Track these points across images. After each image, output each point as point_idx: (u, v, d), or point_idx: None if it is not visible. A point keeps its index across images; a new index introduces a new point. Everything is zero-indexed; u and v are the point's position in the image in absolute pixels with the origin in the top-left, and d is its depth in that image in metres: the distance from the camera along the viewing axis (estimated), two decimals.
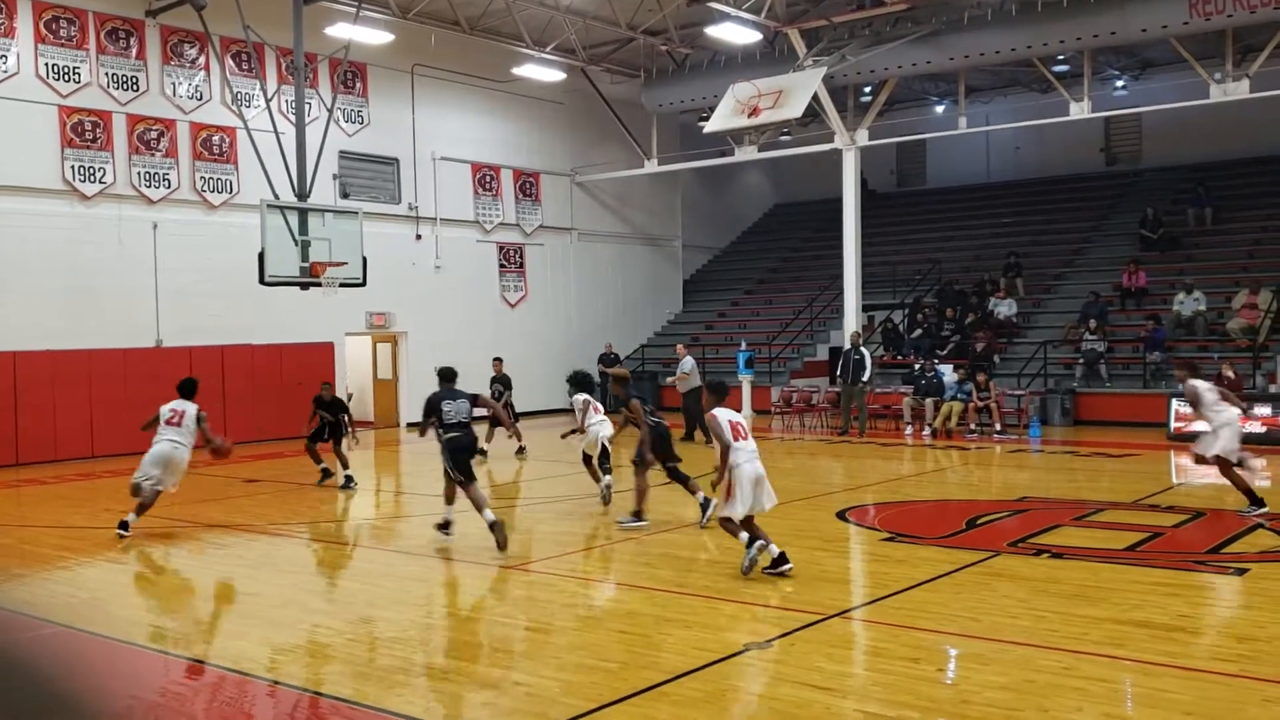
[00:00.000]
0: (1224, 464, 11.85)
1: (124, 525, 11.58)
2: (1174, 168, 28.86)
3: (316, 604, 8.67)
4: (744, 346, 25.94)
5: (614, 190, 29.94)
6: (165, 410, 12.06)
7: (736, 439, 9.36)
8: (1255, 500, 11.73)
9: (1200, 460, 12.03)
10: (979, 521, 11.71)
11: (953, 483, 15.76)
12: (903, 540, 10.74)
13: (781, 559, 9.10)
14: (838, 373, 21.79)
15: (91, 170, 19.50)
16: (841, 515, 12.18)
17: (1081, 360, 22.58)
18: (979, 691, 6.02)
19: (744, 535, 9.21)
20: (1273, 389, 19.56)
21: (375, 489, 15.56)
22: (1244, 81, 20.69)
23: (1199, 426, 12.55)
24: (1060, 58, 24.80)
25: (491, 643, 7.57)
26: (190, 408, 12.04)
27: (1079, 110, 22.58)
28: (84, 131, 19.42)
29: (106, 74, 19.76)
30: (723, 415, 9.47)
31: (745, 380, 25.26)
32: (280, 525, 12.51)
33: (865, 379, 21.31)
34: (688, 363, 21.08)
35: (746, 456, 9.35)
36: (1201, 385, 12.22)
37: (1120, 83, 28.05)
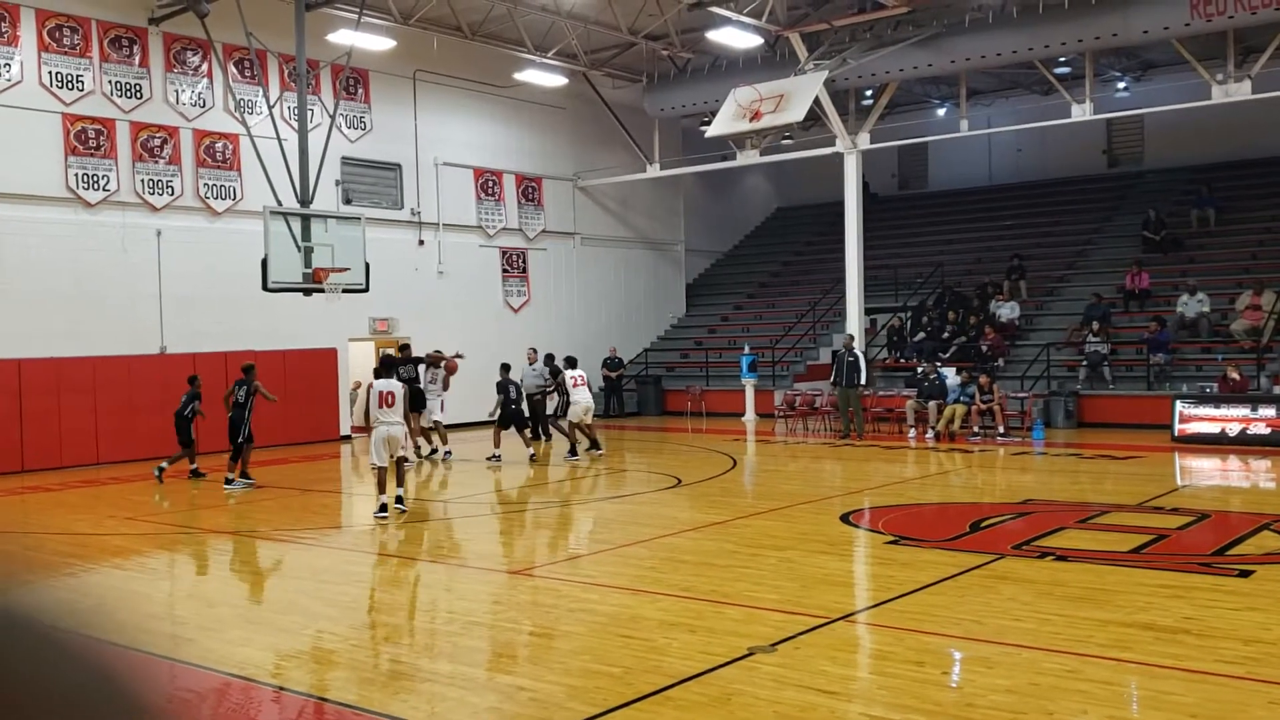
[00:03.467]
0: None
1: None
2: (1177, 169, 28.83)
3: (321, 609, 8.68)
4: (747, 350, 25.95)
5: (616, 195, 29.96)
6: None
7: (381, 406, 12.46)
8: None
9: None
10: (983, 524, 11.70)
11: (956, 485, 15.76)
12: (907, 543, 10.74)
13: (383, 508, 12.53)
14: (832, 377, 21.84)
15: (95, 178, 19.54)
16: (845, 518, 12.18)
17: (1085, 362, 22.56)
18: (984, 695, 6.01)
19: (383, 498, 12.52)
20: (1277, 390, 19.53)
21: (378, 494, 15.55)
22: (1246, 82, 20.69)
23: None
24: (1062, 60, 24.80)
25: (496, 648, 7.57)
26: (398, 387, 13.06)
27: (1081, 112, 22.58)
28: (87, 139, 19.46)
29: (110, 82, 19.80)
30: (378, 385, 12.64)
31: (749, 384, 25.27)
32: (284, 531, 12.52)
33: (862, 381, 21.34)
34: (539, 368, 20.63)
35: (384, 420, 12.45)
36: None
37: (1122, 84, 28.04)
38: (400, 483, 13.10)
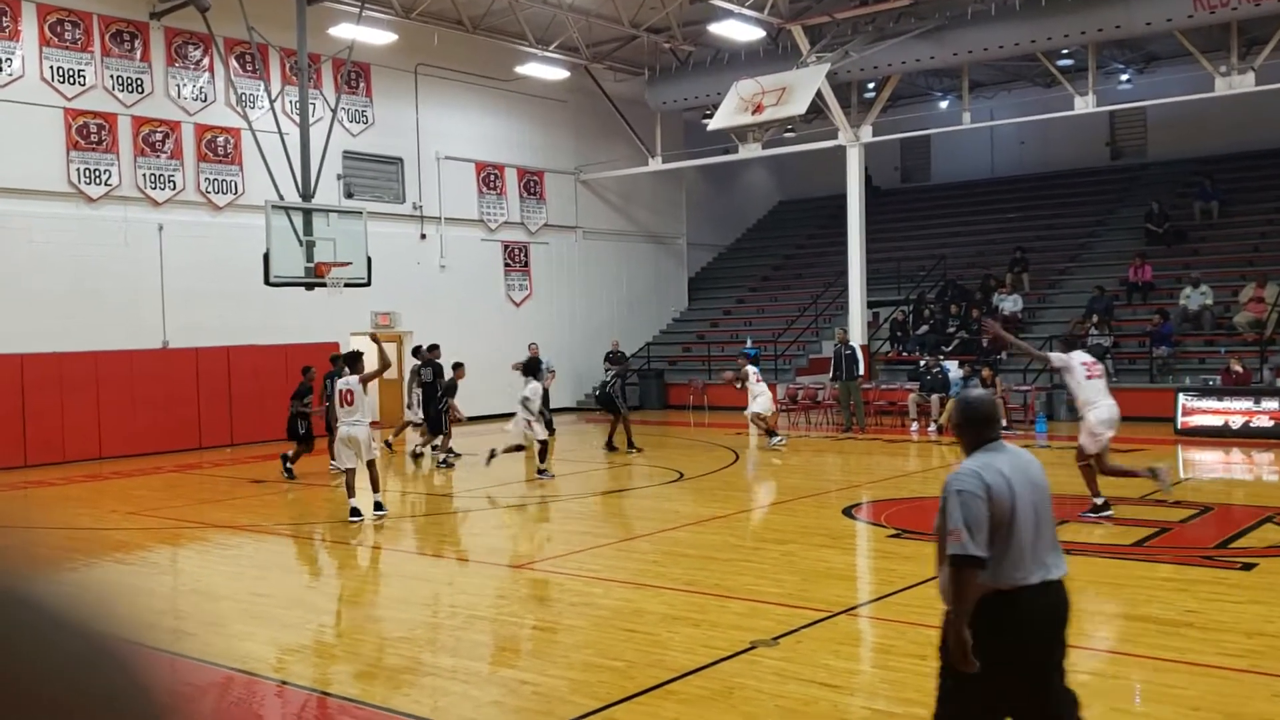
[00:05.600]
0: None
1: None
2: (1180, 161, 28.78)
3: (323, 604, 8.68)
4: (749, 343, 25.92)
5: (618, 188, 29.93)
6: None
7: (342, 405, 12.22)
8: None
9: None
10: None
11: None
12: (909, 537, 10.73)
13: (354, 511, 11.96)
14: (831, 372, 21.84)
15: (97, 172, 19.53)
16: (848, 512, 12.18)
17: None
18: None
19: (353, 501, 12.04)
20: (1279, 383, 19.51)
21: (382, 488, 15.57)
22: (1249, 74, 20.63)
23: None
24: (1064, 51, 24.74)
25: (498, 642, 7.57)
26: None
27: (1083, 104, 22.53)
28: (89, 134, 19.45)
29: (111, 76, 19.79)
30: (338, 384, 12.44)
31: None
32: (287, 525, 12.53)
33: (860, 373, 21.35)
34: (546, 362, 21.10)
35: (344, 420, 12.19)
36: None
37: (1125, 76, 27.97)
38: (375, 487, 12.49)
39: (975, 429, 4.33)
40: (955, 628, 4.12)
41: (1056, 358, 11.26)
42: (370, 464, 12.38)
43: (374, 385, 14.04)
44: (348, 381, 12.37)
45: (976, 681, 4.03)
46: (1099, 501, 11.00)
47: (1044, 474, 4.41)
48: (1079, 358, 11.01)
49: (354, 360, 12.60)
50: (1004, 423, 19.94)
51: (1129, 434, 19.04)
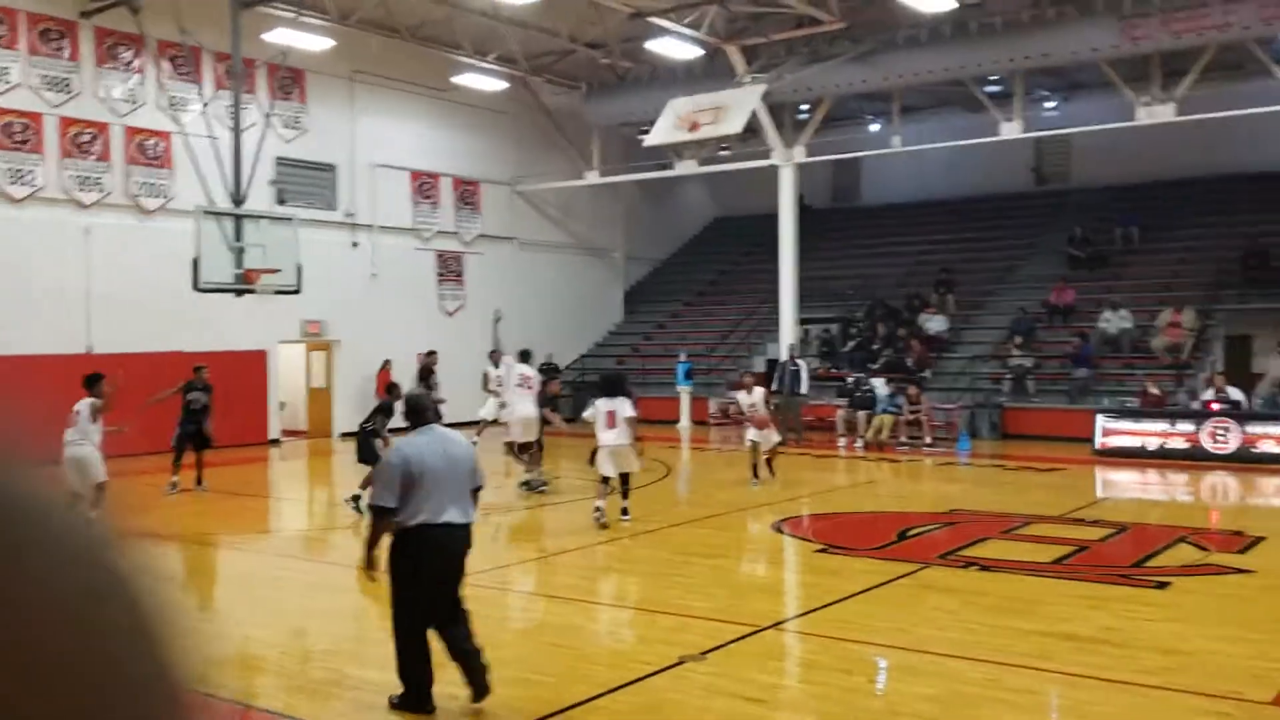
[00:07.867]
0: None
1: None
2: (1102, 188, 29.45)
3: (247, 616, 8.58)
4: (683, 358, 26.05)
5: (556, 200, 29.93)
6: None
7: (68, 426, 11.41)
8: None
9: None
10: (910, 533, 11.88)
11: (884, 494, 15.98)
12: (835, 552, 10.87)
13: None
14: (773, 385, 21.98)
15: (21, 173, 19.09)
16: (776, 526, 12.29)
17: (1009, 375, 22.97)
18: (908, 703, 6.13)
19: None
20: (1194, 406, 20.05)
21: (307, 499, 15.39)
22: (1170, 105, 21.21)
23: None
24: (992, 78, 25.23)
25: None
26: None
27: (1010, 130, 23.01)
28: (14, 134, 19.01)
29: (38, 75, 19.38)
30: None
31: (684, 391, 25.37)
32: (209, 536, 12.34)
33: (804, 390, 21.54)
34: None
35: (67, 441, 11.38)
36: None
37: (1050, 104, 28.58)
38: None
39: (411, 417, 6.52)
40: (365, 550, 6.26)
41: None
42: (97, 486, 11.10)
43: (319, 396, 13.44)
44: (82, 400, 11.82)
45: (405, 587, 5.95)
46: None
47: (466, 451, 6.25)
48: (519, 370, 15.10)
49: (90, 383, 12.06)
50: (928, 439, 20.39)
51: (1048, 453, 19.47)
